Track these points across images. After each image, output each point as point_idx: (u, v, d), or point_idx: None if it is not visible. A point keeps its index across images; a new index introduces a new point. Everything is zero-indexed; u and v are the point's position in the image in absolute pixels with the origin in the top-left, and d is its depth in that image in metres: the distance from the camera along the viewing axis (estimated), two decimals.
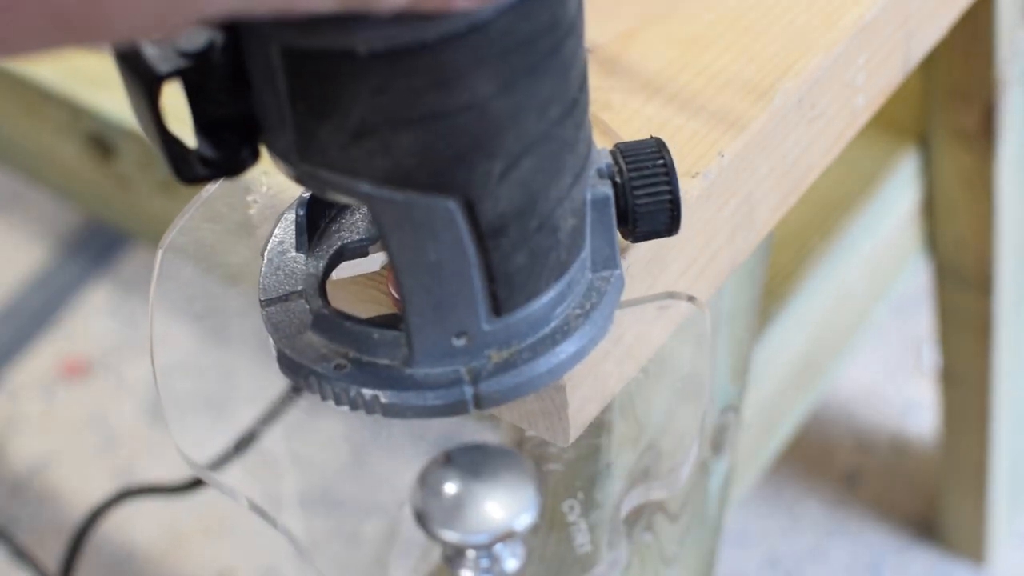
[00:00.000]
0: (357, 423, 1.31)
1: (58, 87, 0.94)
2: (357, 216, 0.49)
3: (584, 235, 0.45)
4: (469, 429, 0.63)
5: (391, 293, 0.48)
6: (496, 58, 0.38)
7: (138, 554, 1.34)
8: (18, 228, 1.67)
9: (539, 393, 0.50)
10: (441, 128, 0.39)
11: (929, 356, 1.40)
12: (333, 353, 0.45)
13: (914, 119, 0.95)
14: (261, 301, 0.47)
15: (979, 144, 0.92)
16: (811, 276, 0.90)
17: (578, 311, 0.45)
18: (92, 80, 0.93)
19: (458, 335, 0.43)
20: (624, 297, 0.48)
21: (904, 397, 1.38)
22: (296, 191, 0.49)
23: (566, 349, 0.44)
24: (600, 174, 0.46)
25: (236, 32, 0.39)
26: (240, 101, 0.40)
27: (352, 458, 1.31)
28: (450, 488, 0.59)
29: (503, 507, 0.59)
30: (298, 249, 0.48)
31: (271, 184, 0.52)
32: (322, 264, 0.48)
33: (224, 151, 0.41)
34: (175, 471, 0.82)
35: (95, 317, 1.57)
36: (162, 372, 0.53)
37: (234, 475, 0.76)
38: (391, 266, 0.42)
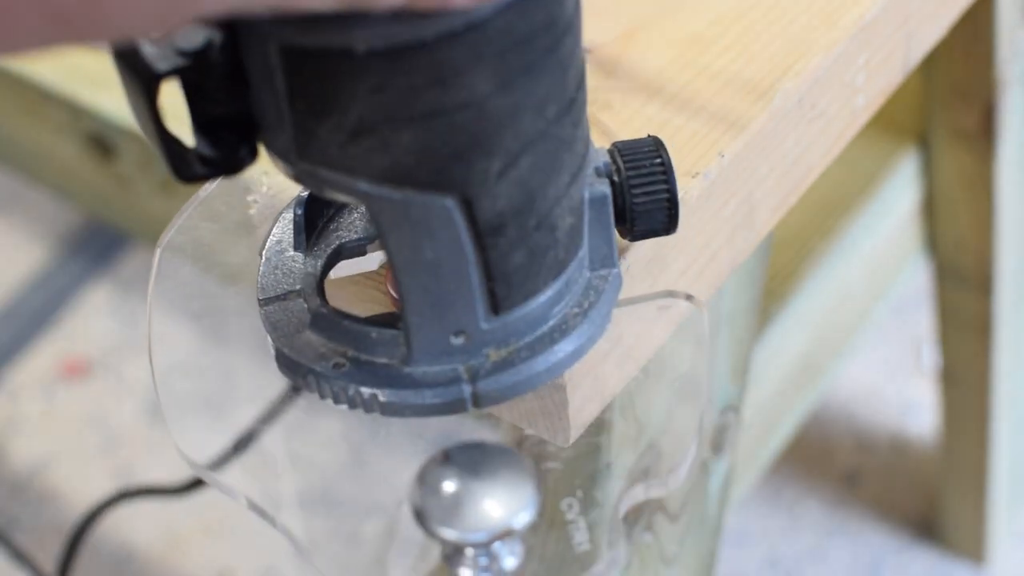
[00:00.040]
0: (356, 422, 1.31)
1: (58, 87, 0.94)
2: (355, 215, 0.50)
3: (582, 234, 0.45)
4: (469, 428, 0.63)
5: (389, 292, 0.48)
6: (494, 56, 0.38)
7: (137, 554, 1.34)
8: (18, 228, 1.67)
9: (539, 393, 0.50)
10: (439, 126, 0.39)
11: (929, 356, 1.40)
12: (331, 352, 0.45)
13: (914, 119, 0.95)
14: (259, 300, 0.47)
15: (979, 144, 0.92)
16: (811, 276, 0.90)
17: (576, 310, 0.45)
18: (92, 80, 0.93)
19: (456, 334, 0.43)
20: (623, 296, 0.48)
21: (904, 397, 1.38)
22: (296, 191, 0.49)
23: (564, 348, 0.44)
24: (598, 173, 0.46)
25: (234, 31, 0.39)
26: (238, 100, 0.40)
27: (351, 457, 1.31)
28: (449, 486, 0.59)
29: (502, 505, 0.59)
30: (296, 248, 0.48)
31: (271, 184, 0.52)
32: (320, 263, 0.48)
33: (222, 150, 0.41)
34: (175, 471, 0.82)
35: (95, 317, 1.57)
36: (161, 372, 0.53)
37: (233, 475, 0.76)
38: (389, 265, 0.42)
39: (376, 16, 0.36)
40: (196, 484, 0.88)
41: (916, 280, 1.15)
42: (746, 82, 0.56)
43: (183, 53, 0.39)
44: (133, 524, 1.33)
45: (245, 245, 0.52)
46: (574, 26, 0.41)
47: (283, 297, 0.47)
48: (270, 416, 0.80)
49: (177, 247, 0.51)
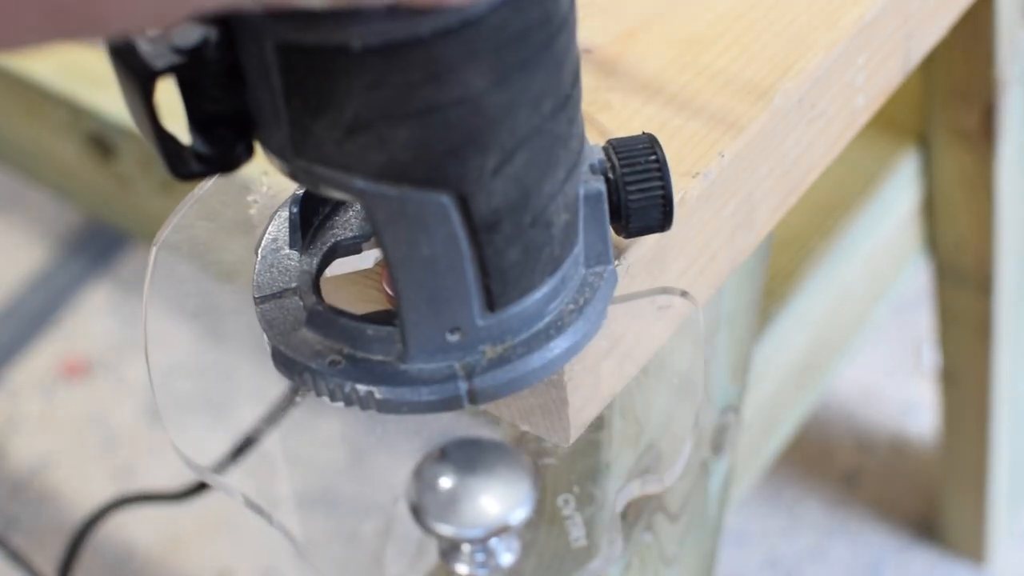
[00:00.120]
0: (354, 420, 1.31)
1: (58, 87, 0.94)
2: (350, 213, 0.50)
3: (577, 230, 0.45)
4: (469, 425, 0.63)
5: (385, 290, 0.48)
6: (489, 53, 0.38)
7: (138, 554, 1.34)
8: (18, 228, 1.67)
9: (539, 393, 0.50)
10: (435, 123, 0.39)
11: (929, 356, 1.40)
12: (327, 349, 0.45)
13: (914, 119, 0.95)
14: (255, 298, 0.47)
15: (979, 144, 0.92)
16: (811, 276, 0.90)
17: (571, 306, 0.45)
18: (92, 80, 0.93)
19: (452, 330, 0.43)
20: (618, 293, 0.48)
21: (904, 397, 1.38)
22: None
23: (560, 344, 0.45)
24: (593, 170, 0.46)
25: (230, 28, 0.39)
26: (234, 97, 0.40)
27: (350, 456, 1.31)
28: (445, 482, 0.60)
29: (498, 501, 0.59)
30: (292, 246, 0.48)
31: (271, 184, 0.52)
32: (316, 261, 0.48)
33: (218, 147, 0.41)
34: (175, 471, 0.82)
35: (95, 317, 1.57)
36: (159, 371, 0.53)
37: (232, 474, 0.76)
38: (385, 262, 0.42)
39: (371, 13, 0.37)
40: (196, 490, 0.88)
41: (916, 280, 1.15)
42: (746, 82, 0.56)
43: (179, 51, 0.39)
44: (133, 524, 1.33)
45: (241, 243, 0.52)
46: (569, 22, 0.41)
47: (279, 295, 0.47)
48: (270, 419, 0.80)
49: (173, 246, 0.51)
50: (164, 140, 0.40)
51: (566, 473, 0.61)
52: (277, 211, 0.49)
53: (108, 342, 1.54)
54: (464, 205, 0.41)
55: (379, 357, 0.44)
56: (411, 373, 0.44)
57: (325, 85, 0.38)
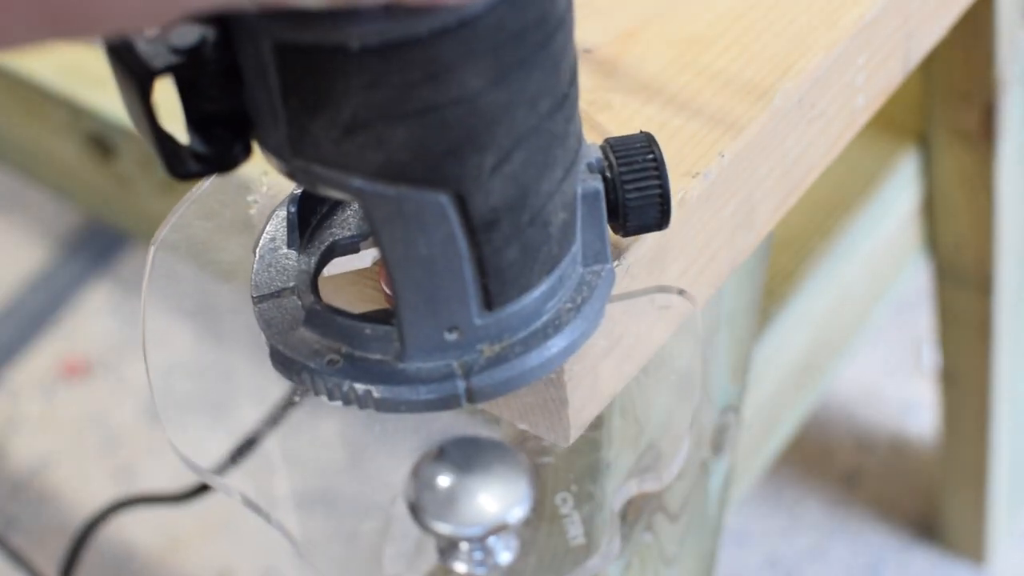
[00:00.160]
0: (353, 420, 1.31)
1: (58, 87, 0.94)
2: (348, 212, 0.50)
3: (575, 229, 0.45)
4: (469, 423, 0.63)
5: (383, 289, 0.48)
6: (487, 52, 0.38)
7: (138, 555, 1.34)
8: (18, 228, 1.67)
9: (539, 393, 0.50)
10: (433, 122, 0.39)
11: (929, 356, 1.40)
12: (326, 348, 0.45)
13: (914, 119, 0.95)
14: (253, 297, 0.47)
15: (979, 144, 0.92)
16: (811, 276, 0.90)
17: (569, 305, 0.45)
18: (92, 80, 0.93)
19: (450, 329, 0.43)
20: (616, 292, 0.48)
21: (904, 397, 1.38)
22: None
23: (558, 343, 0.45)
24: (590, 169, 0.46)
25: (228, 28, 0.39)
26: (232, 97, 0.40)
27: (349, 456, 1.31)
28: (443, 481, 0.60)
29: (496, 500, 0.59)
30: (290, 246, 0.48)
31: (271, 184, 0.52)
32: (314, 260, 0.48)
33: (216, 147, 0.41)
34: (175, 471, 0.82)
35: (95, 317, 1.57)
36: (158, 371, 0.53)
37: (231, 474, 0.76)
38: (383, 261, 0.42)
39: (369, 13, 0.37)
40: (197, 491, 0.88)
41: (916, 280, 1.15)
42: (746, 82, 0.56)
43: (177, 51, 0.39)
44: (133, 525, 1.33)
45: (239, 243, 0.52)
46: (566, 22, 0.41)
47: (277, 294, 0.47)
48: (270, 421, 0.80)
49: (171, 245, 0.51)
50: (162, 140, 0.40)
51: (564, 471, 0.61)
52: (275, 210, 0.49)
53: (108, 342, 1.54)
54: (462, 204, 0.41)
55: (377, 356, 0.44)
56: (409, 372, 0.44)
57: (323, 85, 0.38)
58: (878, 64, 0.61)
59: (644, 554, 0.67)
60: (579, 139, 0.45)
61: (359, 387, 0.44)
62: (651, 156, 0.47)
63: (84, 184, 1.01)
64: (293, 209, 0.48)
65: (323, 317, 0.45)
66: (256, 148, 0.42)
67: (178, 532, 1.35)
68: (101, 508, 0.94)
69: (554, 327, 0.45)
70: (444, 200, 0.40)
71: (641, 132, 0.47)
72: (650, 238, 0.51)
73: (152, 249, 0.51)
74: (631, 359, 0.53)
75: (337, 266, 0.50)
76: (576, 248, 0.45)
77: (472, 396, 0.44)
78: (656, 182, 0.46)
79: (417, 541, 0.64)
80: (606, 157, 0.47)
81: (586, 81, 0.56)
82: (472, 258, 0.42)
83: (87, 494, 1.39)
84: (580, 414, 0.51)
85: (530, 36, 0.39)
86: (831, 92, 0.58)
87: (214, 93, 0.40)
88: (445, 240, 0.41)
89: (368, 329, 0.44)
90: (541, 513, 0.61)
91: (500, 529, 0.59)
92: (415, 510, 0.59)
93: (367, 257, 0.50)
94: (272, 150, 0.41)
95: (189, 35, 0.39)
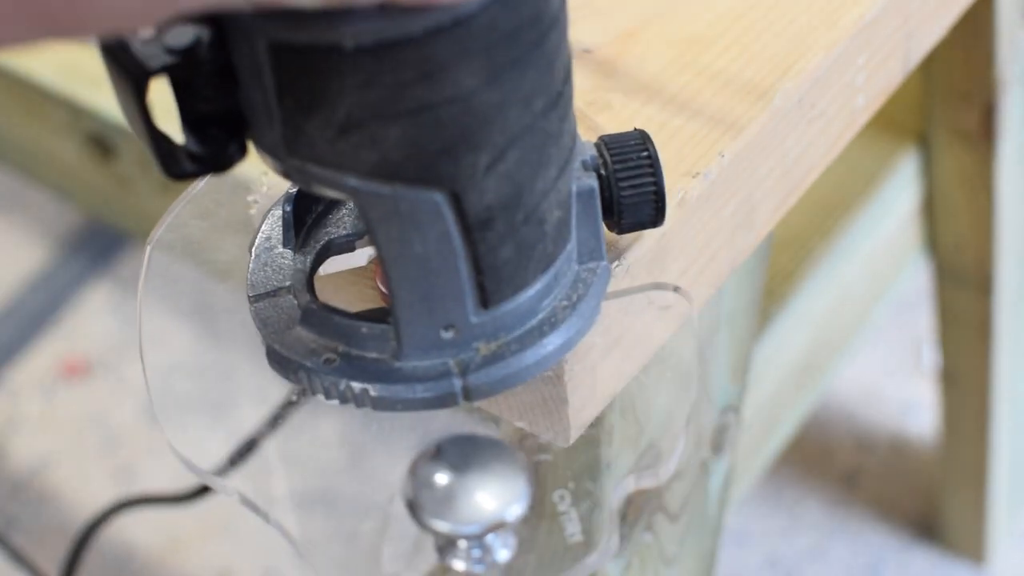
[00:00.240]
0: (350, 419, 1.31)
1: (58, 87, 0.94)
2: (344, 211, 0.50)
3: (570, 227, 0.45)
4: (466, 421, 0.63)
5: (379, 288, 0.48)
6: (481, 51, 0.38)
7: (138, 555, 1.34)
8: (18, 228, 1.67)
9: (539, 393, 0.50)
10: (427, 121, 0.39)
11: (929, 356, 1.40)
12: (322, 348, 0.45)
13: (914, 119, 0.95)
14: (249, 297, 0.47)
15: (979, 144, 0.92)
16: (811, 276, 0.90)
17: (565, 303, 0.45)
18: (92, 80, 0.93)
19: (446, 328, 0.43)
20: (611, 289, 0.48)
21: (904, 397, 1.38)
22: None
23: (553, 341, 0.45)
24: (585, 166, 0.46)
25: (223, 28, 0.39)
26: (227, 97, 0.40)
27: (347, 456, 1.31)
28: (441, 479, 0.60)
29: (494, 497, 0.59)
30: (285, 245, 0.48)
31: (271, 184, 0.52)
32: (309, 260, 0.48)
33: (211, 147, 0.41)
34: (175, 471, 0.82)
35: (95, 317, 1.57)
36: (158, 371, 0.53)
37: (230, 475, 0.76)
38: (379, 259, 0.42)
39: (363, 12, 0.37)
40: (198, 492, 0.88)
41: (916, 280, 1.15)
42: (746, 82, 0.56)
43: (172, 51, 0.39)
44: (134, 526, 1.33)
45: (236, 242, 0.52)
46: (560, 21, 0.41)
47: (273, 294, 0.47)
48: (271, 424, 0.80)
49: (168, 245, 0.51)
50: (157, 140, 0.40)
51: (562, 469, 0.61)
52: (270, 210, 0.49)
53: (108, 342, 1.54)
54: (457, 203, 0.41)
55: (374, 355, 0.44)
56: (406, 370, 0.44)
57: (317, 84, 0.38)
58: (878, 64, 0.61)
59: (644, 554, 0.67)
60: (573, 137, 0.45)
61: (356, 386, 0.44)
62: (645, 153, 0.47)
63: (84, 184, 1.01)
64: (288, 208, 0.48)
65: (319, 316, 0.45)
66: (251, 148, 0.42)
67: (178, 532, 1.35)
68: (102, 508, 0.94)
69: (550, 325, 0.45)
70: (439, 199, 0.40)
71: (635, 129, 0.48)
72: (650, 238, 0.51)
73: (148, 249, 0.51)
74: (631, 359, 0.53)
75: (333, 265, 0.50)
76: (571, 246, 0.45)
77: (469, 394, 0.44)
78: (651, 179, 0.46)
79: (416, 540, 0.64)
80: (601, 155, 0.47)
81: (586, 81, 0.56)
82: (468, 256, 0.42)
83: (87, 494, 1.39)
84: (580, 414, 0.51)
85: (524, 35, 0.39)
86: (831, 92, 0.58)
87: (209, 93, 0.40)
88: (440, 238, 0.41)
89: (364, 328, 0.44)
90: (539, 511, 0.61)
91: (498, 527, 0.59)
92: (413, 508, 0.59)
93: (362, 256, 0.50)
94: (267, 150, 0.41)
95: (184, 35, 0.39)
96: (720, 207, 0.54)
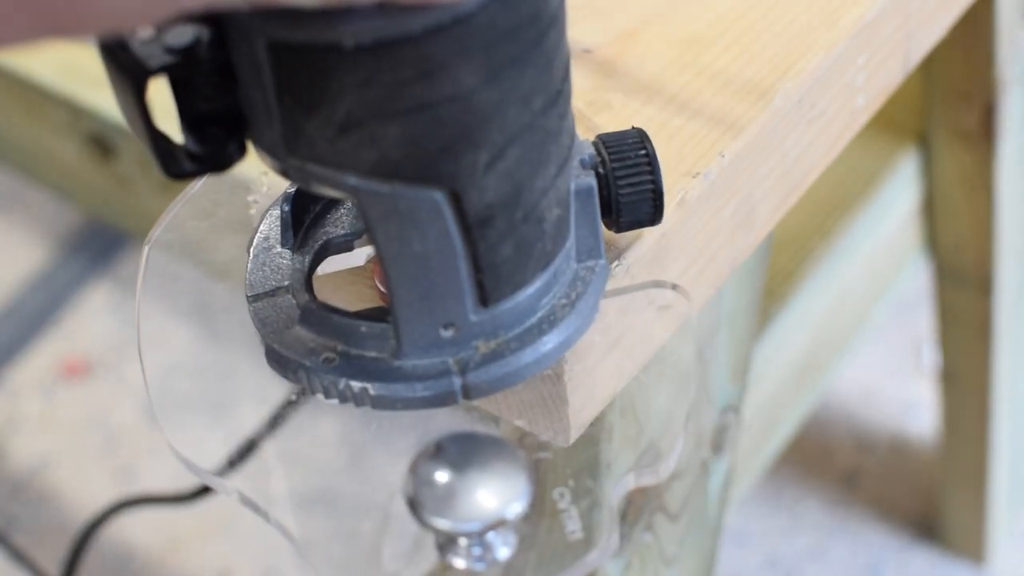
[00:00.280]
0: (350, 418, 1.31)
1: (58, 87, 0.94)
2: (342, 211, 0.50)
3: (569, 225, 0.45)
4: (467, 420, 0.63)
5: (377, 287, 0.48)
6: (480, 50, 0.39)
7: (138, 555, 1.34)
8: (18, 228, 1.68)
9: (538, 392, 0.50)
10: (427, 120, 0.39)
11: (929, 356, 1.40)
12: (321, 347, 0.45)
13: (914, 119, 0.95)
14: (248, 297, 0.47)
15: (979, 144, 0.92)
16: (811, 276, 0.90)
17: (564, 301, 0.45)
18: (92, 80, 0.93)
19: (446, 326, 0.43)
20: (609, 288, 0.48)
21: (904, 397, 1.38)
22: None
23: (552, 339, 0.45)
24: (583, 165, 0.46)
25: (222, 27, 0.39)
26: (226, 96, 0.40)
27: (347, 455, 1.31)
28: (442, 477, 0.60)
29: (495, 495, 0.59)
30: (283, 245, 0.48)
31: (271, 184, 0.52)
32: (308, 259, 0.48)
33: (211, 146, 0.41)
34: (175, 471, 0.82)
35: (95, 317, 1.57)
36: (158, 371, 0.53)
37: (230, 474, 0.76)
38: (378, 258, 0.42)
39: (363, 11, 0.37)
40: (199, 493, 0.88)
41: (916, 280, 1.15)
42: (746, 82, 0.56)
43: (171, 50, 0.39)
44: (134, 525, 1.33)
45: (233, 242, 0.52)
46: (559, 19, 0.41)
47: (271, 293, 0.47)
48: (272, 424, 0.80)
49: (166, 244, 0.51)
50: (156, 139, 0.40)
51: (561, 467, 0.61)
52: (268, 209, 0.49)
53: (108, 342, 1.54)
54: (456, 201, 0.41)
55: (373, 354, 0.44)
56: (405, 369, 0.44)
57: (317, 83, 0.38)
58: (878, 64, 0.61)
59: (644, 554, 0.67)
60: (572, 135, 0.45)
61: (355, 385, 0.44)
62: (643, 152, 0.47)
63: (84, 184, 1.01)
64: (287, 208, 0.48)
65: (318, 315, 0.45)
66: (250, 147, 0.42)
67: (178, 532, 1.35)
68: (102, 508, 0.94)
69: (549, 323, 0.45)
70: (439, 197, 0.40)
71: (633, 128, 0.48)
72: (650, 238, 0.51)
73: (146, 249, 0.51)
74: (631, 358, 0.53)
75: (331, 265, 0.50)
76: (570, 244, 0.45)
77: (468, 393, 0.44)
78: (649, 177, 0.47)
79: (416, 538, 0.64)
80: (599, 153, 0.47)
81: (586, 81, 0.56)
82: (467, 255, 0.42)
83: (87, 494, 1.39)
84: (580, 414, 0.51)
85: (523, 33, 0.39)
86: (831, 92, 0.58)
87: (208, 92, 0.40)
88: (440, 237, 0.41)
89: (364, 327, 0.45)
90: (539, 508, 0.61)
91: (498, 524, 0.59)
92: (414, 506, 0.59)
93: (361, 255, 0.50)
94: (266, 149, 0.41)
95: (183, 35, 0.39)
96: (720, 207, 0.54)
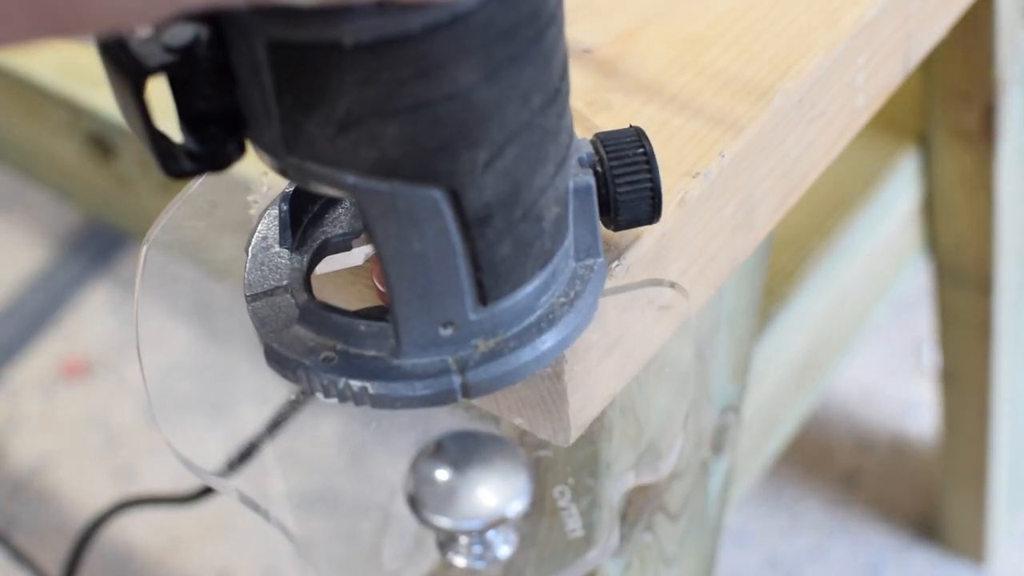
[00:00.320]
0: (350, 417, 1.31)
1: (58, 87, 0.94)
2: (340, 210, 0.50)
3: (567, 224, 0.45)
4: (466, 418, 0.63)
5: (376, 286, 0.48)
6: (479, 48, 0.39)
7: (138, 555, 1.34)
8: (18, 228, 1.68)
9: (538, 391, 0.50)
10: (426, 118, 0.39)
11: (929, 356, 1.40)
12: (320, 346, 0.45)
13: (914, 119, 0.95)
14: (246, 296, 0.47)
15: (979, 144, 0.92)
16: (811, 276, 0.90)
17: (562, 300, 0.45)
18: (92, 80, 0.93)
19: (445, 325, 0.43)
20: (608, 287, 0.48)
21: (904, 397, 1.38)
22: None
23: (551, 337, 0.45)
24: (581, 163, 0.46)
25: (221, 26, 0.39)
26: (225, 95, 0.40)
27: (347, 454, 1.31)
28: (442, 475, 0.60)
29: (495, 493, 0.59)
30: (282, 244, 0.48)
31: (271, 184, 0.52)
32: (306, 259, 0.48)
33: (210, 145, 0.41)
34: (176, 471, 0.82)
35: (95, 317, 1.57)
36: (157, 371, 0.53)
37: (230, 475, 0.76)
38: (377, 257, 0.42)
39: (362, 10, 0.37)
40: (200, 493, 0.88)
41: (916, 280, 1.15)
42: (746, 82, 0.56)
43: (170, 49, 0.39)
44: (134, 525, 1.33)
45: (232, 242, 0.52)
46: (557, 17, 0.41)
47: (270, 293, 0.47)
48: (272, 426, 0.80)
49: (164, 244, 0.51)
50: (155, 138, 0.40)
51: (562, 465, 0.61)
52: (267, 209, 0.49)
53: (108, 342, 1.54)
54: (455, 200, 0.41)
55: (372, 353, 0.44)
56: (404, 368, 0.44)
57: (316, 82, 0.38)
58: (878, 64, 0.61)
59: (644, 554, 0.67)
60: (571, 134, 0.45)
61: (354, 384, 0.44)
62: (641, 150, 0.47)
63: (84, 184, 1.01)
64: (285, 207, 0.48)
65: (317, 314, 0.45)
66: (249, 146, 0.42)
67: (178, 532, 1.35)
68: (103, 508, 0.94)
69: (548, 322, 0.45)
70: (437, 196, 0.40)
71: (631, 126, 0.48)
72: (650, 238, 0.51)
73: (144, 249, 0.51)
74: (631, 359, 0.53)
75: (329, 264, 0.50)
76: (568, 243, 0.46)
77: (467, 391, 0.44)
78: (647, 176, 0.47)
79: (417, 537, 0.64)
80: (597, 152, 0.47)
81: (586, 81, 0.56)
82: (466, 253, 0.42)
83: (87, 494, 1.39)
84: (580, 414, 0.51)
85: (522, 32, 0.39)
86: (831, 92, 0.58)
87: (207, 92, 0.40)
88: (439, 236, 0.41)
89: (363, 326, 0.45)
90: (540, 506, 0.61)
91: (499, 523, 0.59)
92: (414, 504, 0.60)
93: (359, 255, 0.50)
94: (266, 148, 0.41)
95: (182, 34, 0.39)
96: (720, 207, 0.54)
